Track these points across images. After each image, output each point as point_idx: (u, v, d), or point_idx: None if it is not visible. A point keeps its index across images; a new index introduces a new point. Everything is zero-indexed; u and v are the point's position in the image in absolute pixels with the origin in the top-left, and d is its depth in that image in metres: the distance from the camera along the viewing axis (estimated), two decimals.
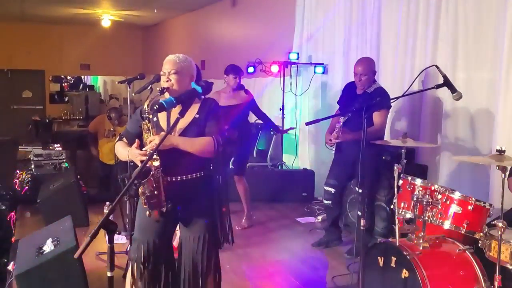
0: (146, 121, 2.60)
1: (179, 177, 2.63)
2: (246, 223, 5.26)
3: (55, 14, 11.23)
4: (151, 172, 2.46)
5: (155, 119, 2.69)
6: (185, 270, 2.72)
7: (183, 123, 2.62)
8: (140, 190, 2.49)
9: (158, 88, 2.66)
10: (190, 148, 2.60)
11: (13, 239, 4.65)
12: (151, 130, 2.60)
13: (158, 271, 2.72)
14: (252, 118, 5.74)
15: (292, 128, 5.89)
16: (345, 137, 4.21)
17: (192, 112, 2.66)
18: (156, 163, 2.48)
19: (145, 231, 2.70)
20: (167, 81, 2.65)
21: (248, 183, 5.29)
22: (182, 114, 2.49)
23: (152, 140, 2.54)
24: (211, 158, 2.71)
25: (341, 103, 4.63)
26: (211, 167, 2.74)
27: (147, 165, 2.44)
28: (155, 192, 2.49)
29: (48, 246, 3.38)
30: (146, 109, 2.58)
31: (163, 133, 2.52)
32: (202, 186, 2.69)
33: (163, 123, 2.70)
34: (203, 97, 2.73)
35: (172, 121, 2.63)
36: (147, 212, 2.53)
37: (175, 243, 3.55)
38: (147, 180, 2.45)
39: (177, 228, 2.90)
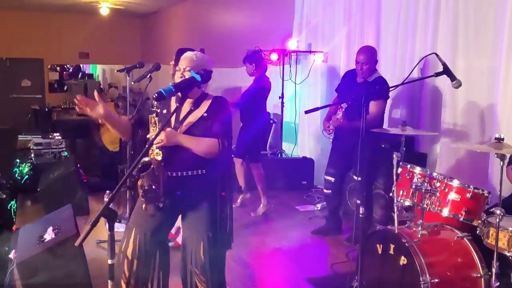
0: (154, 114, 2.60)
1: (179, 172, 2.61)
2: (261, 210, 5.30)
3: (53, 2, 11.15)
4: (151, 166, 2.45)
5: (164, 111, 2.69)
6: (191, 269, 2.68)
7: (191, 118, 2.62)
8: (139, 182, 2.49)
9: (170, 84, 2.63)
10: (195, 148, 2.58)
11: (14, 228, 4.67)
12: (157, 124, 2.59)
13: (148, 266, 2.66)
14: None
15: None
16: (343, 123, 4.28)
17: (202, 109, 2.65)
18: (159, 158, 2.48)
19: (139, 223, 2.66)
20: (181, 77, 2.65)
21: (247, 172, 5.31)
22: (181, 102, 2.50)
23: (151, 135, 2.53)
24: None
25: (340, 91, 4.63)
26: (217, 165, 2.68)
27: (150, 158, 2.46)
28: (153, 187, 2.48)
29: (49, 235, 3.40)
30: (155, 103, 2.58)
31: (169, 129, 2.52)
32: (203, 185, 2.65)
33: (173, 117, 2.65)
34: (212, 94, 2.72)
35: (181, 116, 2.64)
36: (143, 205, 2.52)
37: (179, 239, 3.56)
38: (146, 173, 2.44)
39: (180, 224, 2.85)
